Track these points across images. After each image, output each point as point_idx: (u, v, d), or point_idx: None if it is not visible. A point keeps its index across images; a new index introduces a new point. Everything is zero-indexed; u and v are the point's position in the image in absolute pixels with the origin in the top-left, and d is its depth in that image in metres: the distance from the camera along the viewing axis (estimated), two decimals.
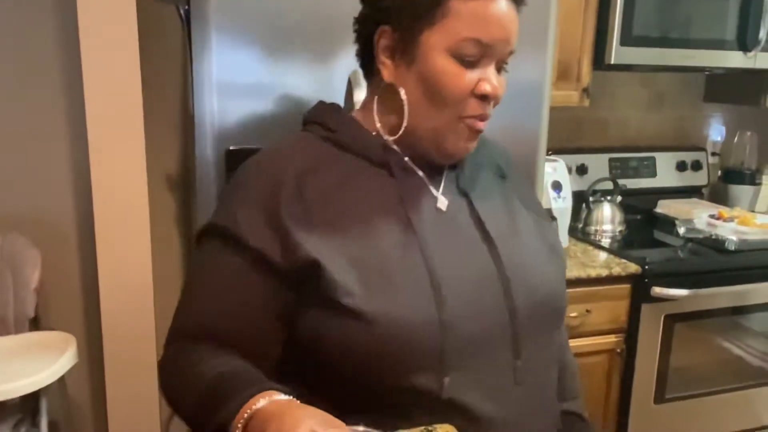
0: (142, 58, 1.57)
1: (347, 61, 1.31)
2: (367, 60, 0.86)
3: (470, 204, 0.86)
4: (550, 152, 2.25)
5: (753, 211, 2.40)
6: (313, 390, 0.78)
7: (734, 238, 2.06)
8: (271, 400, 0.66)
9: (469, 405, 0.77)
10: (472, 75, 0.77)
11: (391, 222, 0.80)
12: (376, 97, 0.85)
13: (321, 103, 0.94)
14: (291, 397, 0.68)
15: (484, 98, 0.79)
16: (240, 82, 1.25)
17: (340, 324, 0.75)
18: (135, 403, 1.72)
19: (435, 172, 0.87)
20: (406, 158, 0.85)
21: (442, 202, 0.85)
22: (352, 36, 1.34)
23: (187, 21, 1.36)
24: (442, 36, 0.76)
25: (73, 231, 1.92)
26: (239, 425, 0.65)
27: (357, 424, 0.66)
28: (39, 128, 1.85)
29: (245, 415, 0.65)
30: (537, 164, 1.54)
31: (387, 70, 0.81)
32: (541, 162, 1.55)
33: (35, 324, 1.79)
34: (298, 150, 0.84)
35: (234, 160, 1.25)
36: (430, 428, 0.68)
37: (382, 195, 0.82)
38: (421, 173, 0.85)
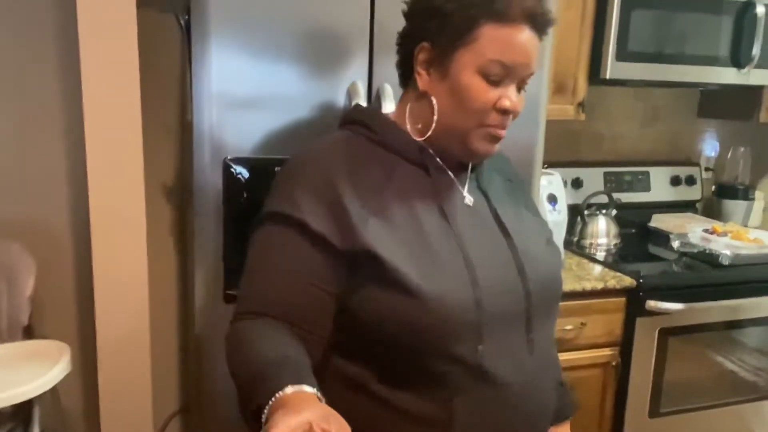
0: (141, 66, 1.57)
1: (345, 73, 1.32)
2: (405, 70, 0.98)
3: (488, 201, 1.01)
4: (546, 165, 2.26)
5: (746, 226, 2.42)
6: (360, 360, 0.92)
7: (728, 252, 2.07)
8: (295, 389, 0.74)
9: (494, 370, 0.90)
10: (495, 92, 0.90)
11: (430, 213, 0.94)
12: (409, 104, 0.98)
13: (358, 106, 1.13)
14: (315, 391, 0.75)
15: (504, 112, 0.91)
16: (239, 92, 1.25)
17: (396, 301, 0.87)
18: (128, 414, 1.71)
19: (460, 172, 1.00)
20: (438, 159, 0.97)
21: (469, 199, 0.99)
22: (351, 46, 1.36)
23: (186, 30, 1.37)
24: (473, 56, 0.89)
25: (69, 239, 1.92)
26: (266, 408, 0.73)
27: None
28: (36, 135, 1.85)
29: (272, 400, 0.73)
30: (533, 177, 1.55)
31: (422, 80, 0.94)
32: (537, 175, 1.56)
33: (29, 332, 1.78)
34: (343, 147, 0.96)
35: (232, 169, 1.26)
36: None
37: (421, 189, 0.95)
38: (450, 173, 0.98)
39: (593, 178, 2.42)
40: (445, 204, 0.95)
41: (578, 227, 2.29)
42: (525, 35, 0.89)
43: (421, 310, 0.86)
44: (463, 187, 1.00)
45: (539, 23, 0.90)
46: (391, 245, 0.88)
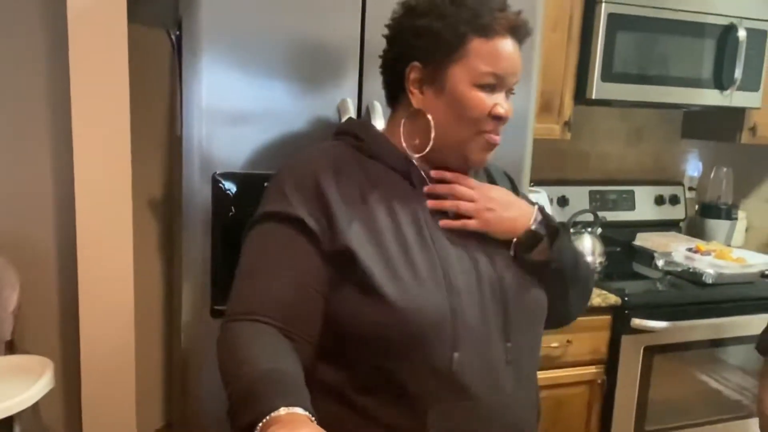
0: (131, 80, 1.57)
1: (335, 90, 1.33)
2: (394, 90, 1.02)
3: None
4: (532, 183, 2.28)
5: (729, 245, 2.45)
6: (339, 366, 0.93)
7: (711, 271, 2.10)
8: (288, 411, 0.74)
9: (469, 381, 0.91)
10: (489, 100, 0.96)
11: (411, 222, 0.96)
12: (403, 121, 1.01)
13: (351, 119, 1.20)
14: (308, 414, 0.75)
15: (498, 118, 0.97)
16: (229, 107, 1.26)
17: (371, 307, 0.89)
18: (112, 431, 1.68)
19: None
20: (422, 172, 1.01)
21: (451, 210, 1.01)
22: (341, 63, 1.37)
23: (177, 46, 1.37)
24: (466, 69, 0.94)
25: (54, 253, 1.90)
26: (258, 427, 0.74)
27: None
28: (22, 148, 1.84)
29: (264, 420, 0.73)
30: (520, 195, 1.56)
31: (416, 99, 0.98)
32: (525, 192, 1.57)
33: (11, 347, 1.75)
34: (331, 154, 1.00)
35: (220, 184, 1.26)
36: None
37: (405, 199, 0.98)
38: (427, 183, 1.01)
39: (579, 197, 2.44)
40: (427, 214, 0.98)
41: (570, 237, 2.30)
42: (510, 46, 0.95)
43: (395, 317, 0.88)
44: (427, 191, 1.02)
45: (520, 34, 0.97)
46: (371, 250, 0.91)
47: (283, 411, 0.73)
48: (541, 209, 1.06)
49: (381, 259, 0.91)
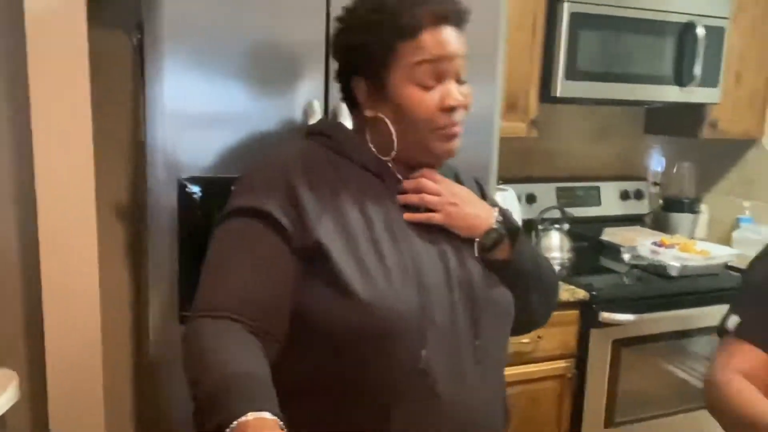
0: (93, 85, 1.54)
1: (302, 92, 1.33)
2: (349, 101, 1.04)
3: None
4: (500, 182, 2.30)
5: (693, 238, 2.50)
6: (305, 365, 0.93)
7: (676, 264, 2.14)
8: (256, 416, 0.73)
9: (436, 378, 0.92)
10: (434, 94, 0.95)
11: (382, 219, 0.96)
12: (366, 128, 1.02)
13: (323, 119, 1.22)
14: (276, 419, 0.74)
15: (451, 110, 0.95)
16: (193, 111, 1.25)
17: (340, 302, 0.89)
18: None
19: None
20: (398, 174, 1.01)
21: (414, 208, 1.01)
22: (306, 65, 1.37)
23: (139, 49, 1.35)
24: (401, 71, 0.94)
25: (16, 261, 1.85)
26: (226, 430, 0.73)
27: None
28: None
29: (232, 426, 0.73)
30: (488, 200, 1.57)
31: (369, 110, 1.00)
32: (492, 191, 1.59)
33: None
34: (301, 152, 1.00)
35: (186, 188, 1.25)
36: None
37: (376, 197, 0.98)
38: (400, 182, 1.02)
39: (546, 194, 2.47)
40: (399, 212, 0.99)
41: (533, 242, 2.33)
42: (442, 34, 0.94)
43: (363, 313, 0.89)
44: (402, 188, 1.02)
45: (451, 19, 0.95)
46: (341, 246, 0.91)
47: (251, 416, 0.72)
48: (503, 211, 1.07)
49: (351, 256, 0.91)
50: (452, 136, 0.98)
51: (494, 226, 1.03)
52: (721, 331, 1.07)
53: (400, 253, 0.95)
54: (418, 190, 1.01)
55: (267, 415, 0.73)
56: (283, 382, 0.91)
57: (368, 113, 0.99)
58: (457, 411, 0.93)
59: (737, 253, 2.25)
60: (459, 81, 0.97)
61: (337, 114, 1.29)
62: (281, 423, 0.74)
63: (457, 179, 1.13)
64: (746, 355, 1.02)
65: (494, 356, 1.02)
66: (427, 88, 0.94)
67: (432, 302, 0.93)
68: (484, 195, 1.16)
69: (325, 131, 1.04)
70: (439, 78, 0.94)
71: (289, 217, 0.91)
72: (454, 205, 1.01)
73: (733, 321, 1.05)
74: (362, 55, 0.96)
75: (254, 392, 0.77)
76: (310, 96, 1.33)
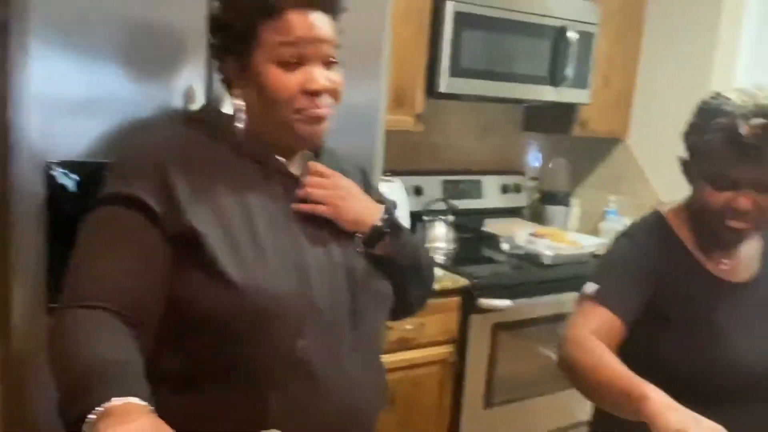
0: None
1: (182, 76, 1.30)
2: (224, 81, 1.02)
3: None
4: (388, 173, 2.35)
5: (565, 229, 2.68)
6: (181, 353, 0.92)
7: (549, 253, 2.29)
8: (123, 401, 0.71)
9: (314, 366, 0.93)
10: (295, 77, 0.94)
11: (263, 208, 0.96)
12: (242, 106, 1.00)
13: (204, 105, 1.18)
14: (145, 403, 0.73)
15: (314, 93, 0.94)
16: (63, 94, 1.18)
17: (215, 289, 0.88)
18: None
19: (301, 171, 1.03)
20: (278, 157, 1.00)
21: (297, 197, 1.01)
22: (187, 48, 1.34)
23: (3, 27, 1.27)
24: (264, 51, 0.93)
25: None
26: (90, 420, 0.70)
27: None
28: None
29: (96, 412, 0.70)
30: (372, 189, 1.61)
31: (236, 90, 0.99)
32: (378, 182, 1.62)
33: None
34: (177, 138, 0.98)
35: (54, 174, 1.18)
36: None
37: (257, 185, 0.98)
38: (283, 169, 1.01)
39: (432, 186, 2.56)
40: (281, 199, 0.99)
41: (419, 233, 2.40)
42: (307, 16, 0.93)
43: (239, 299, 0.88)
44: (300, 183, 1.03)
45: (319, 2, 0.94)
46: (216, 232, 0.90)
47: (116, 401, 0.70)
48: (388, 208, 1.10)
49: (226, 242, 0.90)
50: (316, 119, 0.96)
51: (379, 223, 1.05)
52: (581, 296, 1.17)
53: (280, 241, 0.95)
54: (305, 183, 1.01)
55: (134, 400, 0.72)
56: (161, 370, 0.90)
57: (236, 93, 0.98)
58: (336, 396, 0.95)
59: (604, 242, 2.43)
60: (328, 66, 0.96)
61: (220, 99, 1.27)
62: (151, 408, 0.73)
63: (342, 169, 1.14)
64: (600, 317, 1.12)
65: (372, 343, 1.05)
66: (289, 69, 0.93)
67: (312, 290, 0.94)
68: (368, 184, 1.18)
69: (203, 117, 1.03)
70: (302, 61, 0.93)
71: (161, 202, 0.89)
72: (341, 199, 1.02)
73: (592, 287, 1.16)
74: (228, 33, 0.95)
75: (121, 379, 0.75)
76: (191, 80, 1.30)
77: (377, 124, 1.60)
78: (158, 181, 0.90)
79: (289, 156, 1.03)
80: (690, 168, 1.16)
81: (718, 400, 1.08)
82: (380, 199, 1.16)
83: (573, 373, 1.09)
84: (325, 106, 0.96)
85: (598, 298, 1.14)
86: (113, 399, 0.70)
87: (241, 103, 0.98)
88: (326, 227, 1.02)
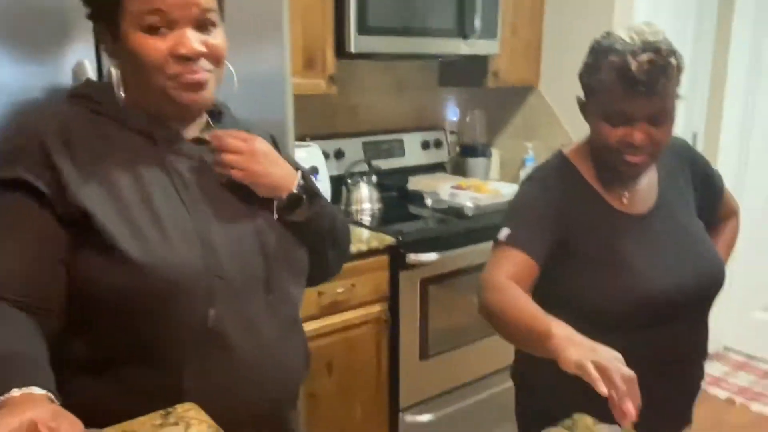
0: None
1: (70, 53, 1.23)
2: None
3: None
4: (307, 138, 2.33)
5: (487, 180, 2.74)
6: (88, 337, 0.90)
7: (471, 204, 2.34)
8: (23, 392, 0.70)
9: (228, 336, 0.92)
10: (165, 42, 0.90)
11: (157, 180, 0.93)
12: (121, 78, 0.98)
13: (88, 80, 1.13)
14: (46, 392, 0.72)
15: (186, 59, 0.91)
16: None
17: (114, 268, 0.86)
18: None
19: (196, 141, 1.01)
20: (170, 126, 0.97)
21: (199, 166, 0.99)
22: (75, 23, 1.27)
23: None
24: (130, 18, 0.90)
25: None
26: None
27: None
28: None
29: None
30: (287, 151, 1.59)
31: (112, 58, 0.97)
32: (291, 148, 1.61)
33: None
34: (59, 116, 0.93)
35: None
36: (169, 410, 0.70)
37: (149, 158, 0.94)
38: (184, 140, 0.99)
39: (353, 149, 2.55)
40: (174, 171, 0.96)
41: (343, 196, 2.40)
42: None
43: (140, 276, 0.86)
44: (197, 153, 1.00)
45: None
46: (109, 209, 0.88)
47: (16, 393, 0.69)
48: (304, 174, 1.08)
49: (121, 219, 0.88)
50: (192, 86, 0.93)
51: (295, 190, 1.03)
52: (495, 241, 1.21)
53: (180, 212, 0.93)
54: (220, 148, 0.99)
55: (35, 389, 0.70)
56: (72, 355, 0.89)
57: (114, 63, 0.96)
58: (254, 364, 0.95)
59: None
60: (204, 29, 0.93)
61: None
62: (52, 396, 0.72)
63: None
64: (514, 259, 1.16)
65: (289, 309, 1.05)
66: (158, 35, 0.90)
67: (220, 260, 0.93)
68: (278, 152, 1.16)
69: (85, 92, 0.99)
70: (171, 25, 0.90)
71: (45, 181, 0.86)
72: (258, 164, 1.00)
73: (504, 232, 1.19)
74: (96, 2, 0.93)
75: (20, 369, 0.73)
76: (81, 55, 1.24)
77: (284, 89, 1.57)
78: (42, 161, 0.87)
79: (183, 125, 0.99)
80: (587, 107, 1.20)
81: (623, 327, 1.14)
82: (296, 166, 1.14)
83: (491, 317, 1.13)
84: (202, 70, 0.93)
85: (511, 242, 1.18)
86: (13, 390, 0.69)
87: (119, 73, 0.95)
88: (240, 194, 1.00)
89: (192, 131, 1.01)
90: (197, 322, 0.90)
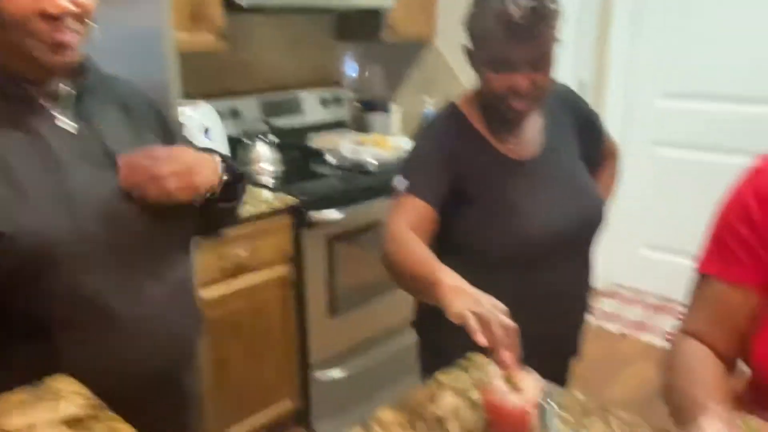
0: None
1: None
2: None
3: (94, 129, 0.96)
4: (198, 98, 2.24)
5: (388, 135, 2.74)
6: None
7: (373, 160, 2.34)
8: None
9: (105, 302, 0.89)
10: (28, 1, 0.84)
11: (17, 145, 0.88)
12: None
13: None
14: None
15: (54, 18, 0.85)
16: None
17: None
18: None
19: (58, 102, 0.94)
20: (27, 87, 0.91)
21: (72, 126, 0.93)
22: None
23: None
24: None
25: None
26: None
27: None
28: None
29: None
30: (170, 110, 1.52)
31: None
32: (175, 108, 1.53)
33: None
34: None
35: None
36: (38, 384, 0.66)
37: (9, 121, 0.89)
38: (43, 103, 0.93)
39: (249, 108, 2.48)
40: (35, 135, 0.90)
41: (242, 157, 2.34)
42: None
43: (4, 250, 0.82)
44: (61, 115, 0.94)
45: None
46: None
47: None
48: (223, 158, 1.05)
49: None
50: (58, 47, 0.88)
51: (225, 176, 1.01)
52: (392, 191, 1.22)
53: (42, 177, 0.88)
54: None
55: None
56: None
57: None
58: (138, 328, 0.93)
59: None
60: None
61: None
62: None
63: (125, 104, 1.04)
64: (412, 208, 1.18)
65: (176, 272, 1.02)
66: None
67: (93, 226, 0.89)
68: (163, 119, 1.10)
69: None
70: None
71: None
72: (197, 175, 0.94)
73: (402, 182, 1.20)
74: None
75: None
76: None
77: (166, 45, 1.49)
78: None
79: (44, 86, 0.92)
80: (473, 56, 1.21)
81: (509, 267, 1.19)
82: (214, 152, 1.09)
83: (389, 268, 1.14)
84: (69, 30, 0.87)
85: (408, 190, 1.19)
86: None
87: None
88: (96, 154, 0.95)
89: (53, 89, 0.94)
90: (71, 291, 0.86)
